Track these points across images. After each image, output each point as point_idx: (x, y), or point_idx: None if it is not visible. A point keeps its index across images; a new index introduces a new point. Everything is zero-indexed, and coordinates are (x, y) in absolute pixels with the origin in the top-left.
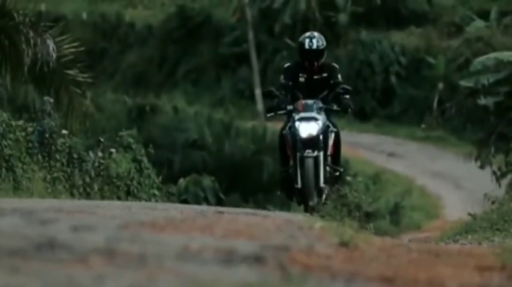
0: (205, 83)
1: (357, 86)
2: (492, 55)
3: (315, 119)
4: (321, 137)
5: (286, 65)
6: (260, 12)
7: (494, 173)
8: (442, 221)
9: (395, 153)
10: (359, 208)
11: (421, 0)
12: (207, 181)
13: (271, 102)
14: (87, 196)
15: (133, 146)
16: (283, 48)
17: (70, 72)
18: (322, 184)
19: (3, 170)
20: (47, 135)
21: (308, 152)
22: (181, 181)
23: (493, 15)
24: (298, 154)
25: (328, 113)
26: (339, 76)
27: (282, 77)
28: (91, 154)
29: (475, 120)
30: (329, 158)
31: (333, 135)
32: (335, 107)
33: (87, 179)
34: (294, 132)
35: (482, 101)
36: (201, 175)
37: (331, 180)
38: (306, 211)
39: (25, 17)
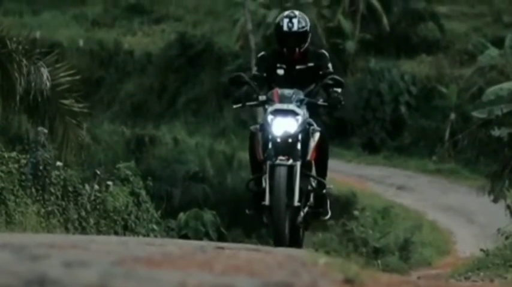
0: (206, 113)
1: (365, 117)
2: (506, 85)
3: (294, 113)
4: (299, 137)
5: (261, 54)
6: (264, 39)
7: (508, 207)
8: (453, 257)
9: (405, 186)
10: (366, 243)
11: (433, 27)
12: (208, 215)
13: (239, 91)
14: (83, 230)
15: (131, 179)
16: None
17: (65, 101)
18: (296, 203)
19: None
20: (40, 167)
21: (281, 159)
22: (181, 215)
23: (507, 42)
24: (268, 160)
25: (312, 108)
26: (330, 65)
27: (254, 68)
28: (87, 186)
29: (489, 152)
30: (313, 169)
31: (316, 136)
32: (321, 101)
33: (83, 213)
34: (266, 129)
35: (495, 132)
36: (202, 209)
37: (315, 199)
38: (275, 241)
39: (18, 44)
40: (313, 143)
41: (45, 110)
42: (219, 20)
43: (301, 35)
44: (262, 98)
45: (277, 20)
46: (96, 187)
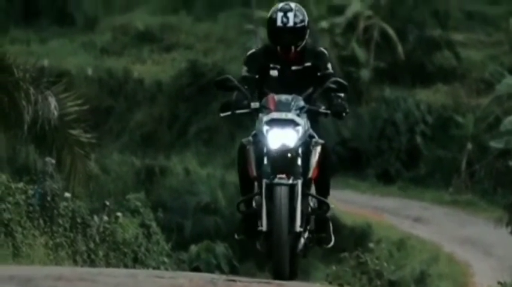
0: (218, 143)
1: (380, 147)
2: None
3: (294, 123)
4: (300, 151)
5: (251, 51)
6: None
7: None
8: None
9: (421, 218)
10: (380, 276)
11: (449, 55)
12: (220, 247)
13: (229, 97)
14: (91, 263)
15: (141, 210)
16: None
17: (73, 131)
18: (298, 228)
19: (2, 235)
20: (48, 198)
21: (280, 178)
22: (193, 248)
23: None
24: (264, 179)
25: (313, 116)
26: (329, 66)
27: (243, 69)
28: (96, 218)
29: (506, 183)
30: (312, 186)
31: (318, 149)
32: (323, 109)
33: (92, 245)
34: (260, 141)
35: None
36: (214, 241)
37: (317, 222)
38: (275, 272)
39: (26, 72)
40: (314, 158)
41: (53, 140)
42: (230, 48)
43: (297, 31)
44: (254, 105)
45: (270, 13)
46: (105, 218)
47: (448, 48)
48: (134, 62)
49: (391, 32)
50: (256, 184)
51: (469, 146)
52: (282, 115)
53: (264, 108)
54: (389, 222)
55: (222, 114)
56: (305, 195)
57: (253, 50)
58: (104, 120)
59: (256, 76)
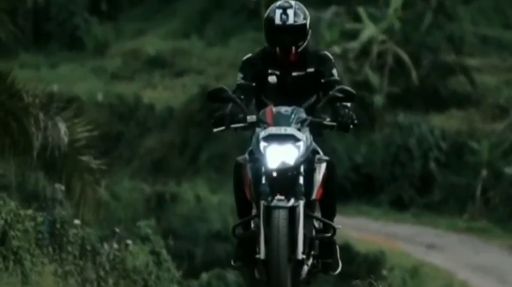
0: (229, 169)
1: (394, 173)
2: None
3: (294, 138)
4: (302, 169)
5: (247, 56)
6: None
7: None
8: None
9: (435, 245)
10: None
11: (463, 80)
12: (232, 275)
13: (222, 109)
14: None
15: (152, 237)
16: None
17: (83, 158)
18: (300, 255)
19: (11, 263)
20: (58, 225)
21: (279, 200)
22: (204, 275)
23: None
24: (262, 200)
25: (317, 130)
26: (335, 71)
27: (239, 76)
28: (105, 245)
29: None
30: (317, 208)
31: (322, 167)
32: (327, 121)
33: (101, 273)
34: (257, 159)
35: None
36: (225, 269)
37: (322, 247)
38: None
39: (35, 98)
40: (319, 176)
41: (62, 166)
42: None
43: (298, 30)
44: (251, 118)
45: (268, 11)
46: (115, 245)
47: (462, 73)
48: (145, 87)
49: (405, 57)
50: (254, 206)
51: (484, 172)
52: (281, 130)
53: (261, 123)
54: (402, 249)
55: (215, 129)
56: (308, 217)
57: (250, 55)
58: (114, 146)
59: (253, 84)
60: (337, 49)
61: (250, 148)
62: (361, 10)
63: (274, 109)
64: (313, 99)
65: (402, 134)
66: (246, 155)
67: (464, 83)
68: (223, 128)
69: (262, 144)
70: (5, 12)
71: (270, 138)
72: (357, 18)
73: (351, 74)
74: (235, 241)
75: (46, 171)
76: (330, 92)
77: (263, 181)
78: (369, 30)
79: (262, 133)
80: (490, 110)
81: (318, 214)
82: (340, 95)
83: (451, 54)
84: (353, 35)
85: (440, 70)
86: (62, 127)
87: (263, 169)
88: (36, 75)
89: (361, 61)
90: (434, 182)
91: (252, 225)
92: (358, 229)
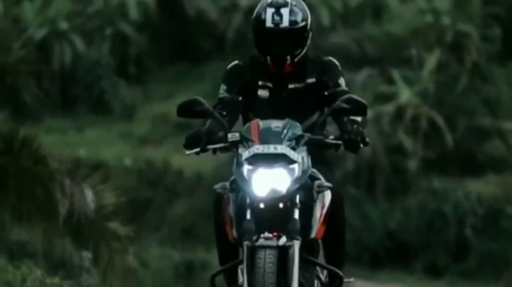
0: None
1: (428, 239)
2: None
3: (287, 159)
4: (297, 199)
5: (233, 64)
6: None
7: None
8: None
9: None
10: None
11: (499, 144)
12: None
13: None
14: None
15: None
16: (347, 198)
17: (111, 224)
18: None
19: None
20: None
21: (267, 238)
22: None
23: None
24: (245, 239)
25: (317, 150)
26: (342, 81)
27: (222, 88)
28: None
29: None
30: (321, 252)
31: (326, 198)
32: (331, 139)
33: None
34: (240, 188)
35: None
36: None
37: None
38: None
39: (61, 163)
40: (320, 209)
41: (89, 233)
42: None
43: (295, 36)
44: (233, 136)
45: (257, 8)
46: None
47: (498, 136)
48: (174, 152)
49: (439, 120)
50: (240, 248)
51: None
52: (270, 149)
53: (245, 140)
54: None
55: (187, 152)
56: (307, 263)
57: (236, 62)
58: (142, 213)
59: (240, 98)
60: (370, 113)
61: (233, 176)
62: (395, 72)
63: (261, 123)
64: (315, 117)
65: (437, 200)
66: (227, 183)
67: (501, 147)
68: (197, 150)
69: (246, 167)
70: (30, 76)
71: (256, 159)
72: (391, 81)
73: (384, 138)
74: None
75: (73, 238)
76: (335, 103)
77: (247, 215)
78: (403, 93)
79: (246, 153)
80: None
81: (321, 259)
82: (346, 106)
83: (487, 117)
84: (386, 98)
85: (476, 134)
86: (89, 193)
87: (247, 200)
88: (63, 139)
89: (394, 125)
90: (470, 248)
91: (240, 274)
92: None
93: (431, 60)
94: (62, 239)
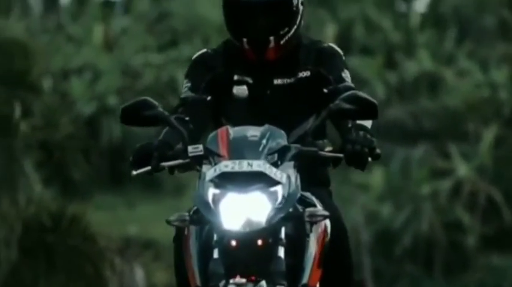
0: None
1: None
2: None
3: (266, 179)
4: (282, 234)
5: (199, 53)
6: (376, 234)
7: None
8: None
9: None
10: None
11: None
12: None
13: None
14: None
15: None
16: (404, 275)
17: None
18: None
19: None
20: None
21: (238, 284)
22: None
23: None
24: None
25: (312, 166)
26: (346, 74)
27: (185, 85)
28: None
29: None
30: None
31: (321, 229)
32: (327, 151)
33: None
34: (205, 220)
35: None
36: None
37: None
38: None
39: (110, 241)
40: (315, 246)
41: None
42: None
43: (279, 8)
44: (195, 150)
45: None
46: None
47: None
48: None
49: (497, 196)
50: None
51: None
52: (243, 165)
53: (210, 154)
54: None
55: (134, 172)
56: None
57: (204, 50)
58: None
59: (208, 98)
60: (426, 188)
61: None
62: (452, 147)
63: (233, 131)
64: (309, 123)
65: (496, 278)
66: (186, 214)
67: None
68: (148, 169)
69: (212, 191)
70: (79, 152)
71: (225, 180)
72: (448, 156)
73: (441, 214)
74: None
75: None
76: (334, 103)
77: (215, 254)
78: (460, 168)
79: (211, 172)
80: None
81: None
82: (349, 106)
83: None
84: (444, 173)
85: None
86: (139, 272)
87: (215, 236)
88: (112, 216)
89: (452, 200)
90: None
91: None
92: None
93: (489, 134)
94: None
